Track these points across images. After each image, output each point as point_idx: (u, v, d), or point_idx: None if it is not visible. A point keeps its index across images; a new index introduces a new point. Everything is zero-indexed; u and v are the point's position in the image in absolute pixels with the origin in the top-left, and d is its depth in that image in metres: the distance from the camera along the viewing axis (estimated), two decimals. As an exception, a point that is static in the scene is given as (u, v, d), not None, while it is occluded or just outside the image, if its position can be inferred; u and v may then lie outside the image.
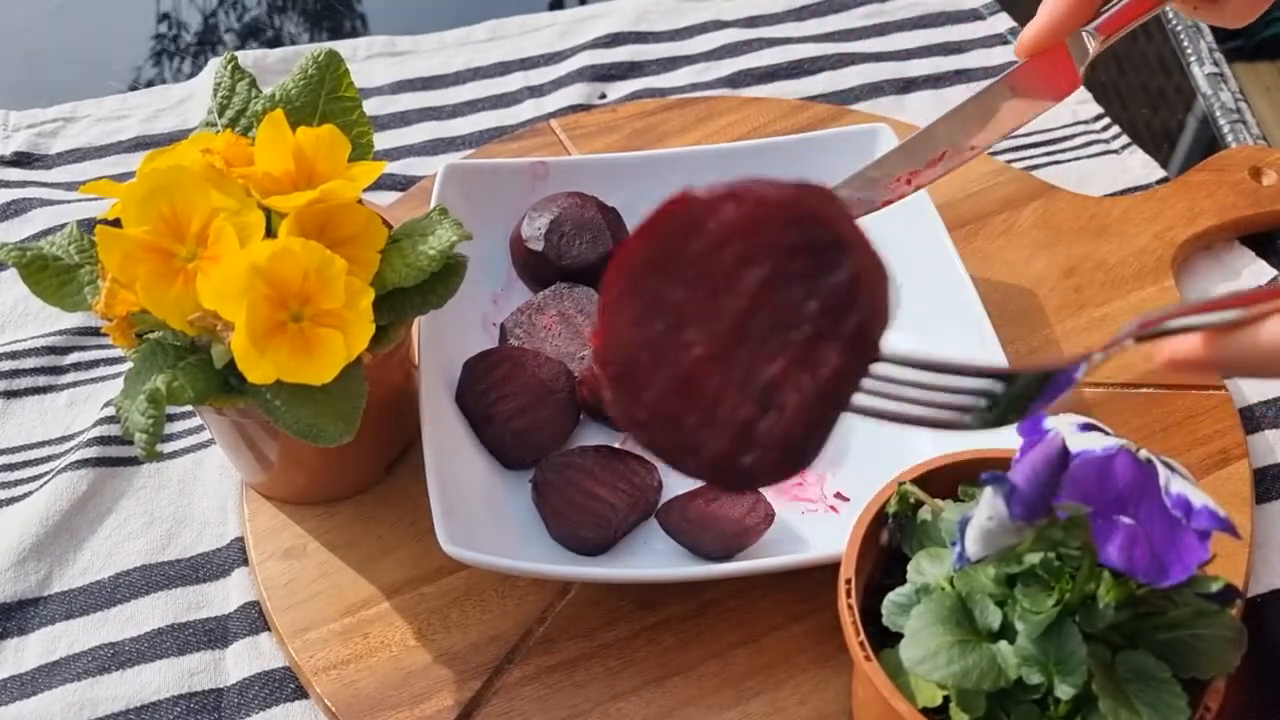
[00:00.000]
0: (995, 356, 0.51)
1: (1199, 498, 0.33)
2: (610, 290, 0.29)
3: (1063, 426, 0.35)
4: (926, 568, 0.38)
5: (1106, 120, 0.72)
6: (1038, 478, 0.33)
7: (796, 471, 0.30)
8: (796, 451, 0.28)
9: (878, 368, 0.29)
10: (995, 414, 0.30)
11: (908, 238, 0.59)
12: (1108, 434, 0.35)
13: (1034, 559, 0.36)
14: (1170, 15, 0.79)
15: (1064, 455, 0.33)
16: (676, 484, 0.52)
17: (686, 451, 0.29)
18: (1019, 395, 0.30)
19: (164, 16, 0.85)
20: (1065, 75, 0.41)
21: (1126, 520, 0.33)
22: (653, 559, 0.49)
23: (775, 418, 0.28)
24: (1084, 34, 0.41)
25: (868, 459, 0.53)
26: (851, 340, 0.27)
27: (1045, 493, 0.35)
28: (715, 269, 0.27)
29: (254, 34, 0.85)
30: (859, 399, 0.29)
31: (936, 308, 0.56)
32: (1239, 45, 0.78)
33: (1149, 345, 0.31)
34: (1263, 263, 0.63)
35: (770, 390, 0.28)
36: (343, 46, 0.78)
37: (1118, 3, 0.41)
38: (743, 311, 0.27)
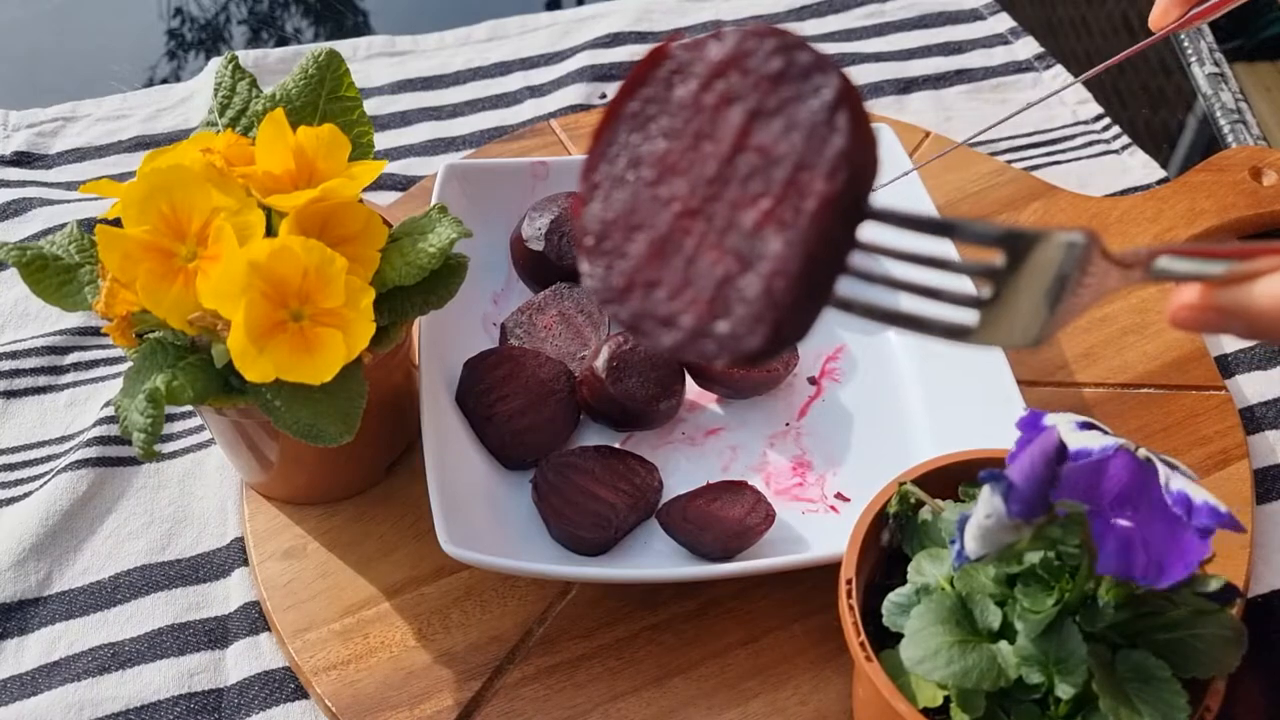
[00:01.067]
0: (998, 356, 0.51)
1: (1200, 495, 0.33)
2: (592, 153, 0.27)
3: (1061, 425, 0.35)
4: (927, 568, 0.38)
5: (1107, 120, 0.72)
6: (1035, 474, 0.33)
7: (779, 347, 0.25)
8: (781, 314, 0.24)
9: (867, 235, 0.25)
10: (1005, 312, 0.25)
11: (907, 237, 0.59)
12: (1106, 433, 0.35)
13: (1034, 558, 0.35)
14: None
15: (1061, 451, 0.33)
16: (677, 484, 0.52)
17: (662, 323, 0.25)
18: (1036, 283, 0.24)
19: (164, 16, 0.85)
20: None
21: (1124, 522, 0.33)
22: (653, 559, 0.49)
23: (758, 272, 0.24)
24: None
25: (868, 459, 0.53)
26: (835, 171, 0.24)
27: (1043, 489, 0.35)
28: (699, 113, 0.25)
29: (254, 34, 0.85)
30: (847, 289, 0.25)
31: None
32: (1239, 45, 0.78)
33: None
34: (1263, 263, 0.63)
35: (752, 239, 0.24)
36: (343, 46, 0.78)
37: None
38: (725, 156, 0.25)
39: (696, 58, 0.26)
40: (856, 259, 0.25)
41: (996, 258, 0.25)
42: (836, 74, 0.25)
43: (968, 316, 0.25)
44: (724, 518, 0.48)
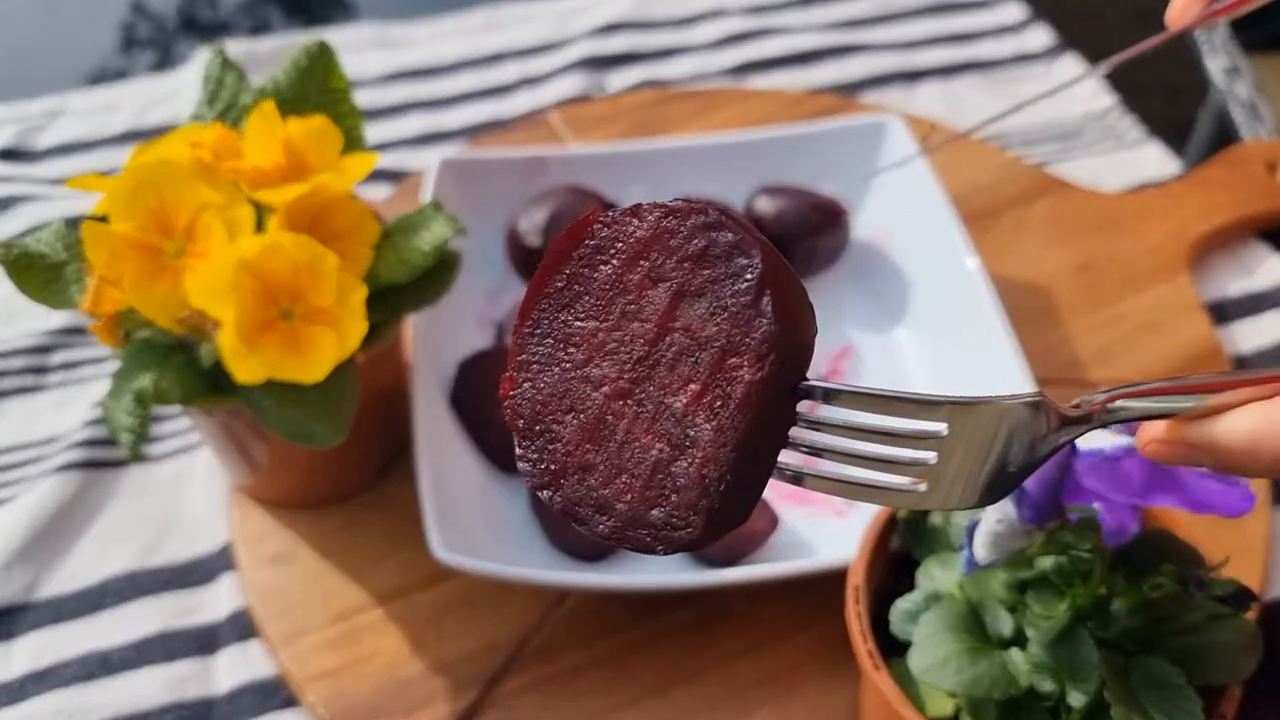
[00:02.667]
0: (1011, 354, 0.50)
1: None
2: (518, 332, 0.26)
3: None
4: (936, 573, 0.38)
5: (1120, 114, 0.71)
6: (1046, 479, 0.33)
7: (716, 535, 0.25)
8: (715, 503, 0.24)
9: (807, 410, 0.25)
10: (959, 488, 0.25)
11: (920, 233, 0.58)
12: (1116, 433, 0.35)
13: (1045, 564, 0.35)
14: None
15: (1072, 455, 0.32)
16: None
17: (597, 509, 0.25)
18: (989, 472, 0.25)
19: (152, 8, 0.84)
20: None
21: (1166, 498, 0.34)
22: (654, 566, 0.48)
23: (690, 459, 0.24)
24: None
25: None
26: (762, 357, 0.24)
27: (1054, 494, 0.34)
28: (624, 291, 0.25)
29: (244, 24, 0.84)
30: (789, 457, 0.25)
31: (950, 304, 0.55)
32: (1254, 38, 0.76)
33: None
34: (1278, 258, 0.62)
35: (683, 423, 0.24)
36: (334, 36, 0.77)
37: None
38: (653, 337, 0.25)
39: (619, 234, 0.25)
40: (800, 432, 0.25)
41: (940, 427, 0.25)
42: (760, 253, 0.24)
43: (919, 483, 0.26)
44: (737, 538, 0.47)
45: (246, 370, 0.39)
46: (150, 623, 0.48)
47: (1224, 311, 0.60)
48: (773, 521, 0.48)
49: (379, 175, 0.67)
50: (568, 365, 0.26)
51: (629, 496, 0.25)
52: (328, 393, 0.42)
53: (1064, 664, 0.34)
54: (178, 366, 0.42)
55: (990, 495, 0.25)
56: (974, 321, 0.53)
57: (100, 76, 0.76)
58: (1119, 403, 0.26)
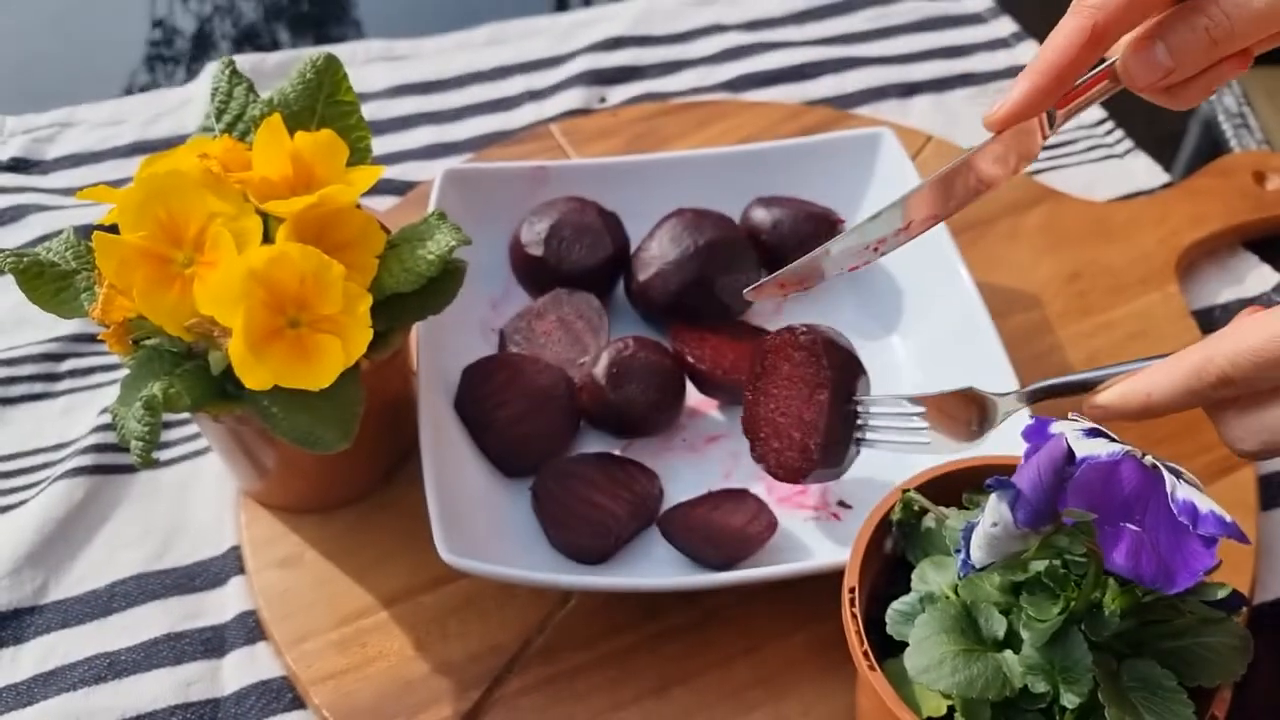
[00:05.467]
0: (1001, 361, 0.51)
1: (1205, 504, 0.32)
2: (753, 391, 0.51)
3: (1068, 431, 0.35)
4: (931, 576, 0.38)
5: (1110, 125, 0.72)
6: (1043, 483, 0.33)
7: (818, 470, 0.48)
8: (816, 452, 0.48)
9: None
10: None
11: (913, 243, 0.59)
12: (1113, 439, 0.35)
13: (1039, 567, 0.35)
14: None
15: (1069, 460, 0.33)
16: (678, 492, 0.51)
17: (776, 461, 0.50)
18: None
19: (160, 21, 0.85)
20: (1024, 150, 0.42)
21: (1132, 527, 0.33)
22: (654, 568, 0.49)
23: (805, 432, 0.49)
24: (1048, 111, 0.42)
25: (870, 466, 0.52)
26: (825, 386, 0.48)
27: (1050, 498, 0.34)
28: (777, 367, 0.50)
29: (252, 38, 0.84)
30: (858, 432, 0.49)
31: (941, 313, 0.56)
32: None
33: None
34: (1267, 268, 0.63)
35: (803, 420, 0.49)
36: (341, 50, 0.78)
37: (1081, 79, 0.41)
38: (791, 388, 0.50)
39: (774, 343, 0.50)
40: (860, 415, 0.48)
41: (922, 409, 0.45)
42: (821, 345, 0.48)
43: (923, 439, 0.46)
44: (726, 526, 0.48)
45: (255, 377, 0.40)
46: (158, 625, 0.49)
47: (1213, 319, 0.60)
48: (770, 525, 0.48)
49: (385, 186, 0.68)
50: (763, 405, 0.50)
51: (787, 453, 0.48)
52: (334, 399, 0.42)
53: (1057, 666, 0.34)
54: (186, 374, 0.42)
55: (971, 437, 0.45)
56: (965, 329, 0.54)
57: (111, 90, 0.77)
58: (1036, 386, 0.43)
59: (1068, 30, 0.38)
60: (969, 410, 0.44)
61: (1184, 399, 0.37)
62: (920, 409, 0.45)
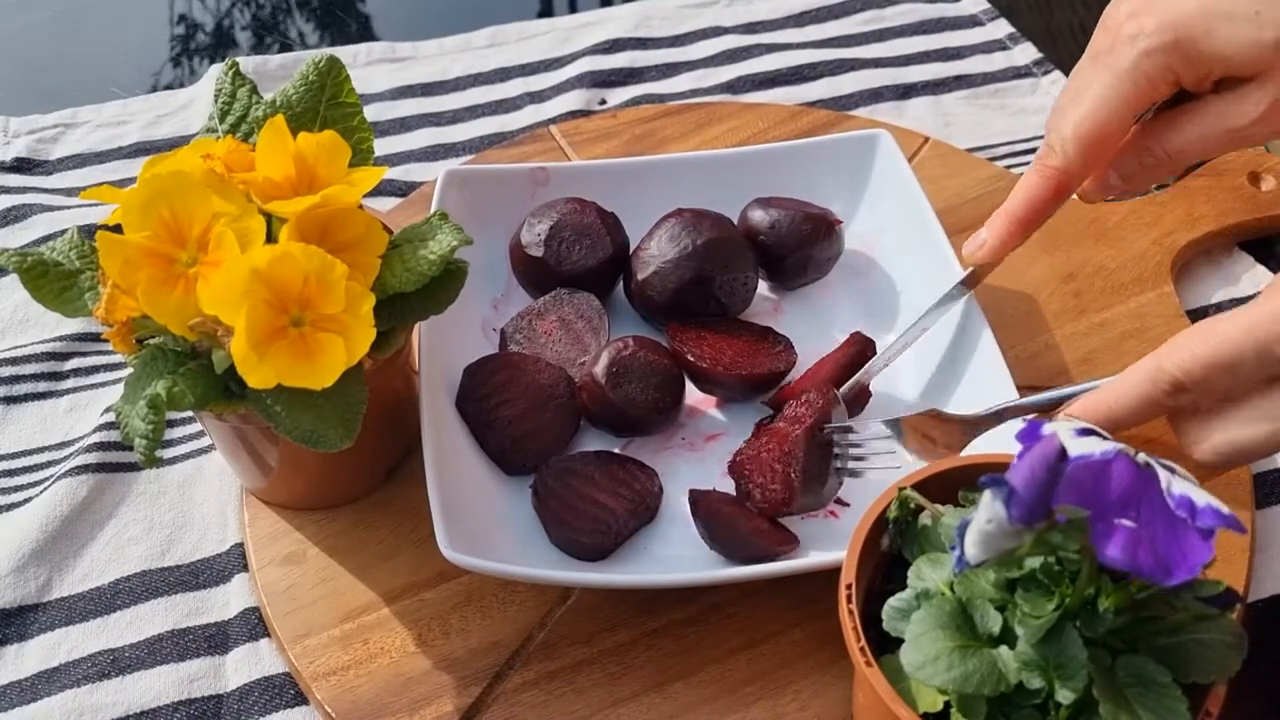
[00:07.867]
0: (996, 361, 0.51)
1: (1202, 497, 0.33)
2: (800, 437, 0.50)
3: (1061, 430, 0.35)
4: (927, 573, 0.38)
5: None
6: (1036, 480, 0.33)
7: (798, 500, 0.49)
8: (796, 479, 0.48)
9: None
10: None
11: (908, 242, 0.59)
12: (1105, 438, 0.35)
13: (1034, 563, 0.35)
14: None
15: (1061, 457, 0.33)
16: (677, 490, 0.52)
17: (761, 491, 0.49)
18: None
19: (165, 22, 0.86)
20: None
21: (1127, 523, 0.33)
22: (653, 564, 0.49)
23: (786, 464, 0.49)
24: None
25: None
26: (801, 423, 0.50)
27: (1043, 495, 0.35)
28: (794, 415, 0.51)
29: (255, 40, 0.85)
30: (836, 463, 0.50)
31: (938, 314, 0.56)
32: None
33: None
34: (1261, 268, 0.63)
35: (785, 453, 0.49)
36: (343, 52, 0.78)
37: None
38: (787, 429, 0.50)
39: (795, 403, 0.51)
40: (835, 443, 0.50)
41: (891, 431, 0.49)
42: (810, 401, 0.50)
43: (895, 462, 0.48)
44: (753, 536, 0.48)
45: (258, 376, 0.40)
46: (162, 622, 0.49)
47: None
48: (791, 545, 0.48)
49: (387, 187, 0.68)
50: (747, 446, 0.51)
51: (771, 485, 0.48)
52: (337, 398, 0.42)
53: (1052, 662, 0.34)
54: (190, 372, 0.42)
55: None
56: (961, 329, 0.54)
57: (112, 90, 0.77)
58: (1001, 406, 0.48)
59: (1034, 185, 0.50)
60: (936, 429, 0.48)
61: (1143, 407, 0.41)
62: (889, 433, 0.49)
